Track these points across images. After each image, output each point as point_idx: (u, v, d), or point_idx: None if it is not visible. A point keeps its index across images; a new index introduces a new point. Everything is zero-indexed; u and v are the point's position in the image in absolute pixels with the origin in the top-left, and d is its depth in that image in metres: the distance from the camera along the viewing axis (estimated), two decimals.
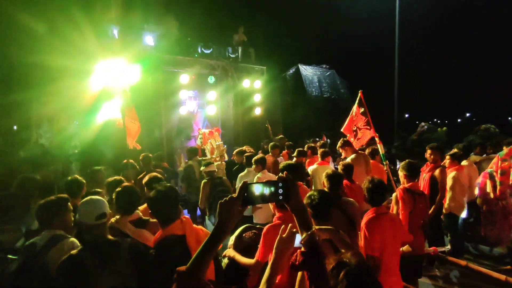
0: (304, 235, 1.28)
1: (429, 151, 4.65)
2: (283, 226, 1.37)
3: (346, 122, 5.28)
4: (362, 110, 5.03)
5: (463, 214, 4.68)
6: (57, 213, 2.20)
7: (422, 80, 29.64)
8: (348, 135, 5.20)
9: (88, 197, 2.04)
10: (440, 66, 32.99)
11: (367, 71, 22.13)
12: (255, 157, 4.70)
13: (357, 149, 5.15)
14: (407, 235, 2.63)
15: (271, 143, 6.64)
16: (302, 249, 1.29)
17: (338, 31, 23.14)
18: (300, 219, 1.29)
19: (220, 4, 11.75)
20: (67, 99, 6.86)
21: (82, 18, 6.85)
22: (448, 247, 4.59)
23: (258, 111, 10.55)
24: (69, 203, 2.30)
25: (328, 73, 15.29)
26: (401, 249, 2.68)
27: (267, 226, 2.41)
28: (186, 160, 6.44)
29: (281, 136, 9.05)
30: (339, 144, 5.40)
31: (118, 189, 2.55)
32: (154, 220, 2.56)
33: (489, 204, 4.53)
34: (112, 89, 4.84)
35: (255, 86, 10.34)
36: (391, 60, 13.58)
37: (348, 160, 4.83)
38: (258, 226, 3.03)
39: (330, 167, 4.92)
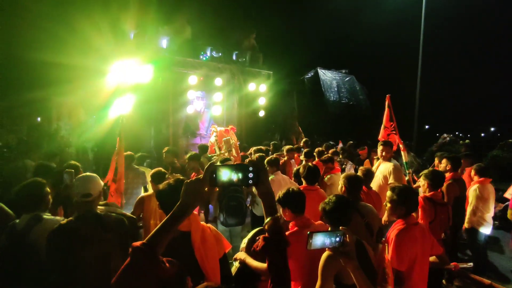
0: (268, 219, 1.24)
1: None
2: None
3: (381, 130, 5.10)
4: (390, 115, 4.88)
5: (487, 230, 4.40)
6: (42, 198, 2.39)
7: (445, 91, 28.75)
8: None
9: (83, 174, 2.25)
10: (465, 76, 31.96)
11: (388, 79, 21.65)
12: (268, 158, 4.61)
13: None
14: (437, 247, 2.39)
15: (287, 146, 6.57)
16: (266, 234, 1.25)
17: (357, 36, 22.78)
18: (267, 204, 1.27)
19: (231, 9, 12.06)
20: (85, 95, 7.42)
21: (102, 21, 7.48)
22: (471, 263, 4.32)
23: (262, 114, 10.97)
24: (47, 188, 2.44)
25: (347, 78, 15.01)
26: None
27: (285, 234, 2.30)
28: None
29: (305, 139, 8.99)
30: (381, 145, 4.69)
31: None
32: None
33: None
34: (125, 86, 5.07)
35: (260, 90, 10.75)
36: (413, 68, 13.22)
37: (391, 166, 4.45)
38: None
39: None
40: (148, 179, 4.79)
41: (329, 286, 1.80)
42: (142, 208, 3.41)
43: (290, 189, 2.44)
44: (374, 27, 21.05)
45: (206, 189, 1.16)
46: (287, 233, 2.30)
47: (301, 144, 7.95)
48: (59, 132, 8.28)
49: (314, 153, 5.98)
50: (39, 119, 10.02)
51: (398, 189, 2.36)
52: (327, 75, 14.23)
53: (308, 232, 1.43)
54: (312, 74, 14.15)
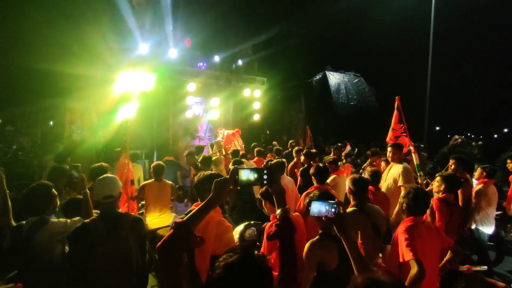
0: (279, 211, 1.58)
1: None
2: None
3: (389, 132, 5.04)
4: (399, 117, 4.82)
5: (489, 230, 4.30)
6: (50, 201, 2.46)
7: (456, 90, 28.18)
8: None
9: (104, 176, 2.37)
10: (477, 76, 31.26)
11: (397, 79, 21.32)
12: (273, 162, 4.65)
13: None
14: (447, 239, 2.36)
15: (296, 147, 6.63)
16: (277, 222, 1.59)
17: (366, 37, 22.46)
18: (278, 199, 1.62)
19: (228, 19, 12.49)
20: (95, 101, 8.05)
21: (109, 34, 8.34)
22: (485, 266, 4.22)
23: (256, 117, 11.74)
24: (53, 190, 2.51)
25: (356, 80, 14.87)
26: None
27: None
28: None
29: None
30: (390, 146, 4.62)
31: None
32: None
33: None
34: (130, 93, 5.54)
35: (255, 95, 11.53)
36: (423, 68, 13.05)
37: (400, 168, 4.31)
38: (253, 222, 3.12)
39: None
40: (138, 173, 5.84)
41: (311, 273, 1.94)
42: (144, 192, 4.27)
43: None
44: (383, 27, 20.75)
45: (230, 187, 1.46)
46: (267, 224, 2.41)
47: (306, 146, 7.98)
48: (72, 135, 8.55)
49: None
50: (51, 123, 10.36)
51: (410, 189, 2.39)
52: (335, 77, 14.14)
53: (307, 200, 1.67)
54: (320, 76, 14.08)
